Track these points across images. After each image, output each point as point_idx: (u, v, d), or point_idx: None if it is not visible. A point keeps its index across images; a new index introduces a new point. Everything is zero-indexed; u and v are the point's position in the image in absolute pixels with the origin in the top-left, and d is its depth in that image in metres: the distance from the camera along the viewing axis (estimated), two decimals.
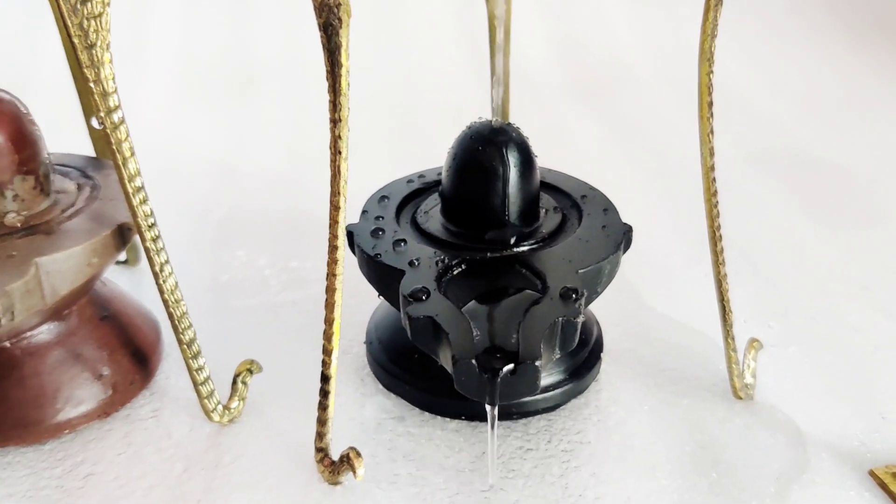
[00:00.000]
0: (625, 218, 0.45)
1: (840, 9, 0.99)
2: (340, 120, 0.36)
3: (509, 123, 0.44)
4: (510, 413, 0.45)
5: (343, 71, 0.36)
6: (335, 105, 0.36)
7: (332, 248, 0.38)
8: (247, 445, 0.43)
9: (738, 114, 0.84)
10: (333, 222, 0.38)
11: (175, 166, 0.73)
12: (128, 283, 0.56)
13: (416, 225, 0.45)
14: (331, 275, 0.38)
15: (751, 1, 0.97)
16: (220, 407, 0.44)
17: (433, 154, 0.51)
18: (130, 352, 0.46)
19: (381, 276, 0.42)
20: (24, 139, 0.42)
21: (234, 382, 0.45)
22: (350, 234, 0.45)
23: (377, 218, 0.45)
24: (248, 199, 0.68)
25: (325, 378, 0.40)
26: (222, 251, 0.60)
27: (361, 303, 0.51)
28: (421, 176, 0.50)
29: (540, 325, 0.37)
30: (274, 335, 0.51)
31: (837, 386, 0.47)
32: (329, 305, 0.39)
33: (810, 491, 0.40)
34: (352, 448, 0.39)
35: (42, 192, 0.43)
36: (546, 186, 0.49)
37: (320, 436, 0.41)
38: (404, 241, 0.43)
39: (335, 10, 0.34)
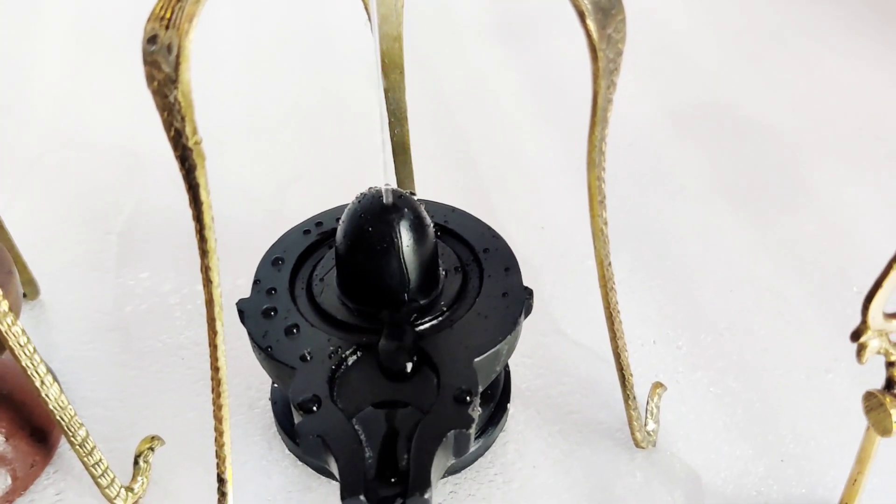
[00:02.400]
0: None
1: None
2: (209, 251, 0.34)
3: (401, 194, 0.42)
4: None
5: (205, 207, 0.33)
6: (202, 237, 0.34)
7: (215, 369, 0.37)
8: None
9: (666, 55, 0.81)
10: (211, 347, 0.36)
11: (74, 155, 0.69)
12: (27, 321, 0.54)
13: (312, 297, 0.44)
14: (216, 396, 0.37)
15: None
16: (122, 491, 0.44)
17: None
18: (28, 432, 0.45)
19: (273, 370, 0.41)
20: None
21: (136, 462, 0.44)
22: (241, 314, 0.43)
23: (270, 291, 0.44)
24: (152, 196, 0.65)
25: (221, 480, 0.40)
26: (125, 272, 0.58)
27: None
28: (318, 224, 0.48)
29: (431, 445, 0.36)
30: (179, 387, 0.50)
31: (740, 420, 0.48)
32: (217, 418, 0.38)
33: None
34: None
35: None
36: (447, 234, 0.47)
37: None
38: (297, 326, 0.42)
39: (189, 152, 0.32)
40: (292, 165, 0.68)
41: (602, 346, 0.51)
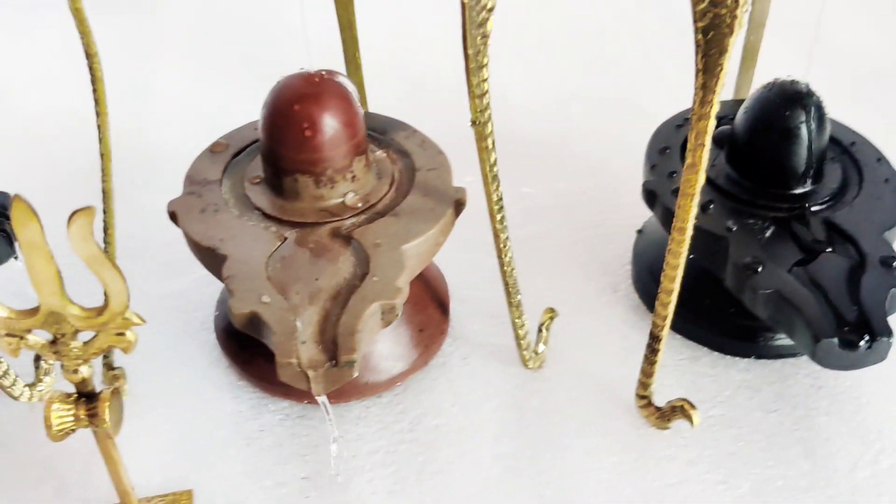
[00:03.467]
0: None
1: None
2: (707, 117, 0.38)
3: (808, 85, 0.46)
4: (781, 355, 0.49)
5: (721, 73, 0.37)
6: (703, 102, 0.38)
7: (680, 231, 0.40)
8: (561, 390, 0.48)
9: None
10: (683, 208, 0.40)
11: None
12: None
13: (709, 180, 0.48)
14: (674, 257, 0.41)
15: None
16: (533, 354, 0.48)
17: None
18: (436, 303, 0.50)
19: (703, 239, 0.45)
20: (357, 122, 0.43)
21: (540, 330, 0.49)
22: (652, 193, 0.47)
23: (671, 174, 0.48)
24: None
25: (655, 338, 0.44)
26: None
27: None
28: (687, 119, 0.52)
29: (879, 298, 0.40)
30: (535, 271, 0.54)
31: None
32: (669, 277, 0.42)
33: None
34: (685, 399, 0.44)
35: (369, 168, 0.45)
36: None
37: (644, 385, 0.45)
38: (711, 202, 0.46)
39: (727, 19, 0.35)
40: (568, 82, 0.72)
41: None
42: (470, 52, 0.36)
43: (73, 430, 0.34)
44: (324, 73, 0.42)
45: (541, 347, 0.48)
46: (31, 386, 0.46)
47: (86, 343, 0.32)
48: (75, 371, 0.33)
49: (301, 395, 0.45)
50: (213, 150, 0.47)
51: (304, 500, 0.42)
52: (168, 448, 0.45)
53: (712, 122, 0.38)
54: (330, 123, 0.41)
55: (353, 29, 0.50)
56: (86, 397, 0.34)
